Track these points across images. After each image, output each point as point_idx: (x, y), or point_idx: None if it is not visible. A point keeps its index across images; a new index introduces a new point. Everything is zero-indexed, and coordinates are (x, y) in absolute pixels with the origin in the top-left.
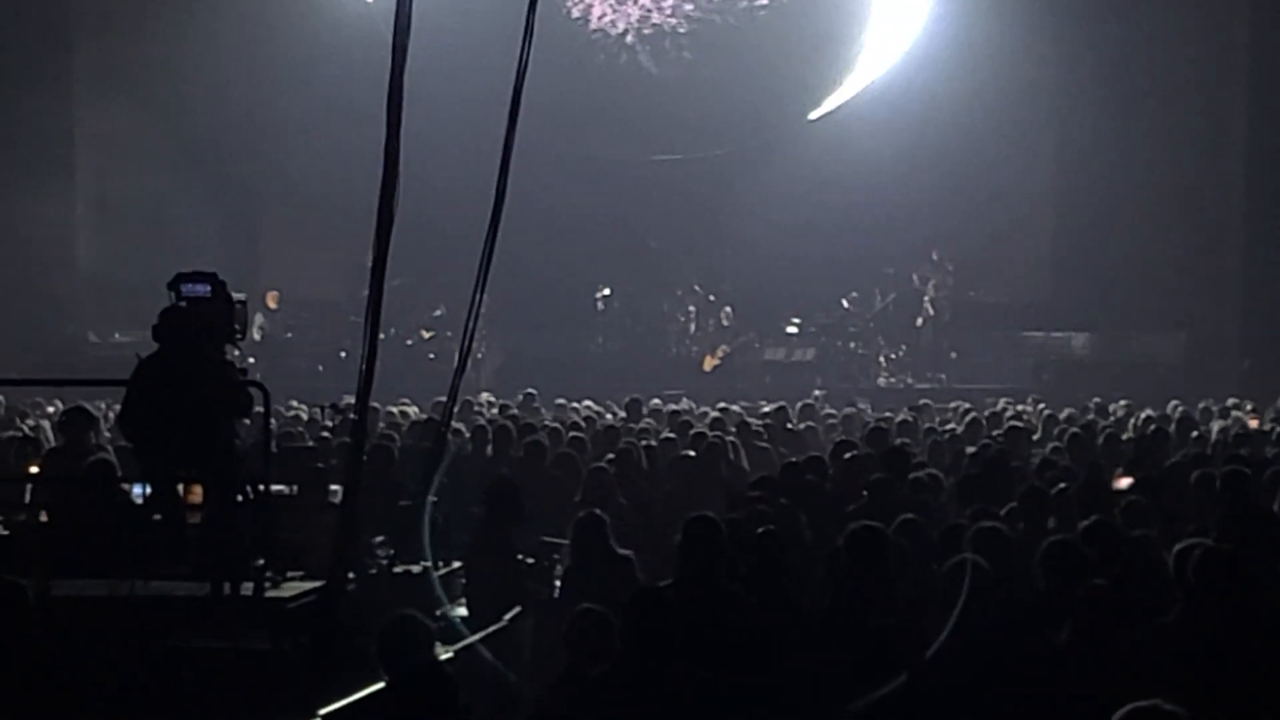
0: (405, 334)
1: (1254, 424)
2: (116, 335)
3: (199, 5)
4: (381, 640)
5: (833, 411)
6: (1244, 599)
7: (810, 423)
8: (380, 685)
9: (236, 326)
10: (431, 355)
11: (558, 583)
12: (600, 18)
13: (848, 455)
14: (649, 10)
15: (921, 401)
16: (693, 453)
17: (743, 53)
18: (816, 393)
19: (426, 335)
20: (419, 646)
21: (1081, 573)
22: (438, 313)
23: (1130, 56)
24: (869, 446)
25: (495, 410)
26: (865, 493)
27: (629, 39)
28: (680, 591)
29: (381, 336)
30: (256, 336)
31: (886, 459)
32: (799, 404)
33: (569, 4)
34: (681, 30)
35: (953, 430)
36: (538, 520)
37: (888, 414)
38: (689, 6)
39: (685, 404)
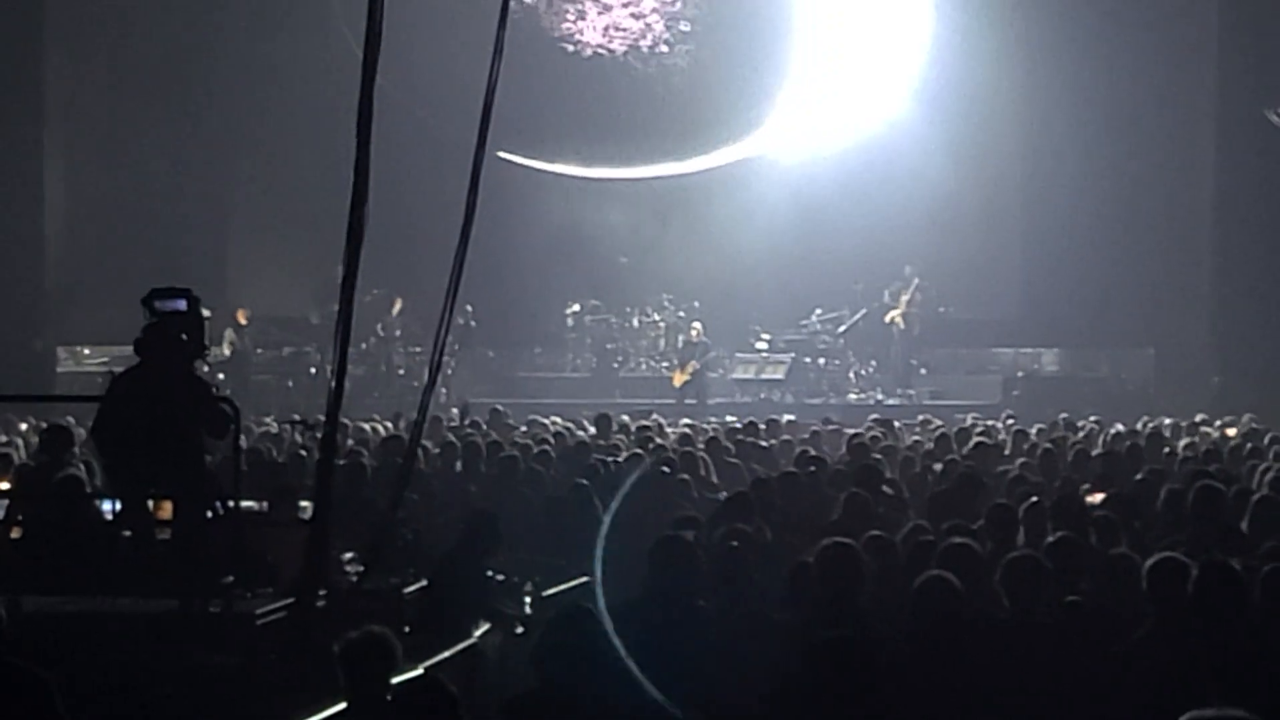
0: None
1: (1232, 432)
2: (85, 350)
3: (172, 20)
4: (343, 656)
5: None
6: (1215, 613)
7: (784, 438)
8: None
9: (206, 343)
10: (401, 370)
11: (527, 599)
12: (576, 30)
13: (813, 469)
14: (621, 24)
15: (872, 417)
16: (666, 469)
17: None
18: (788, 417)
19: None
20: (381, 663)
21: (1044, 589)
22: (397, 309)
23: (1099, 75)
24: (843, 462)
25: (467, 427)
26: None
27: (609, 52)
28: (650, 607)
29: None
30: (226, 352)
31: (859, 474)
32: (768, 418)
33: (547, 21)
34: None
35: (921, 445)
36: (507, 537)
37: (859, 430)
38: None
39: (655, 420)
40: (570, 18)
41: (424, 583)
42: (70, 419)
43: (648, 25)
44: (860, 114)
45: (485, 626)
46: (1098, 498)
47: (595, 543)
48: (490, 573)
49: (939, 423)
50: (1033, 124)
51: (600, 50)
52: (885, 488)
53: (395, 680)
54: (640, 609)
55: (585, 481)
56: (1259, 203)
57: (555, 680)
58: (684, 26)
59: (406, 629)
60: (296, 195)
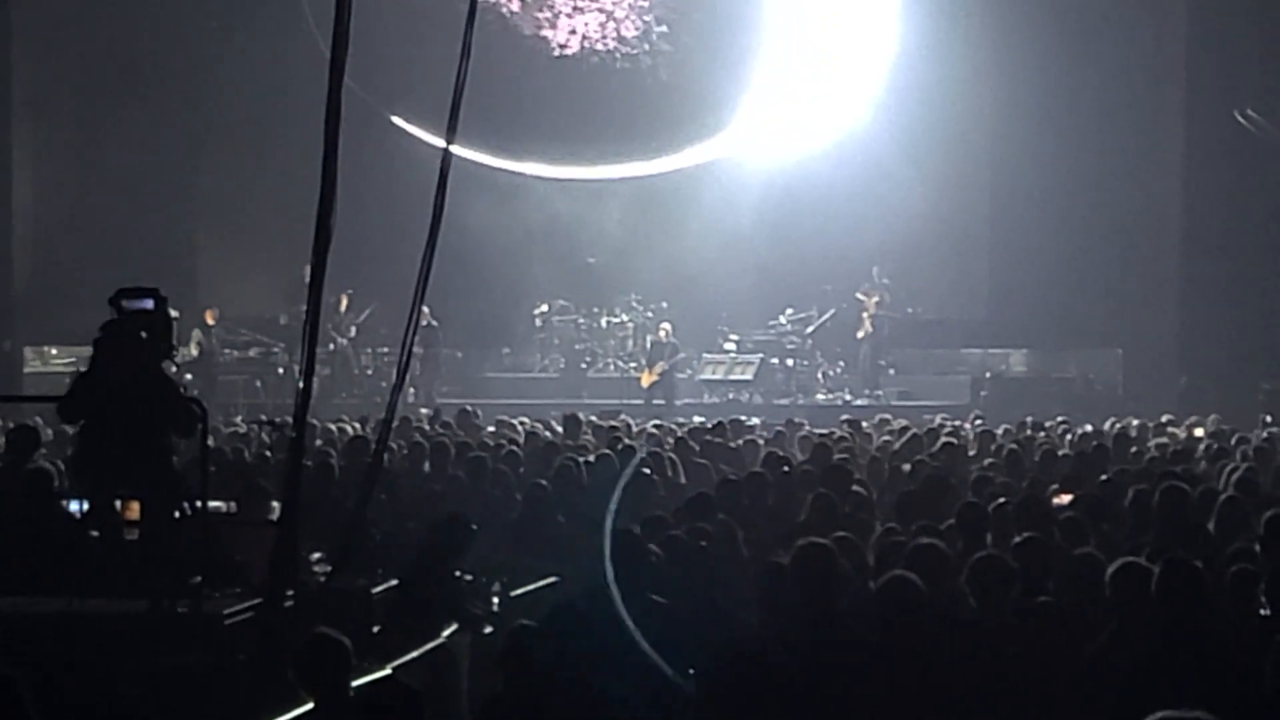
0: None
1: (1200, 432)
2: (53, 351)
3: (140, 20)
4: (297, 660)
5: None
6: (1178, 612)
7: (748, 438)
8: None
9: (175, 343)
10: (369, 371)
11: (495, 600)
12: (547, 31)
13: (786, 470)
14: (593, 25)
15: (843, 418)
16: (647, 470)
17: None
18: (754, 420)
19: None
20: (335, 666)
21: (1010, 589)
22: (344, 305)
23: (1067, 77)
24: (811, 463)
25: (435, 427)
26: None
27: (580, 53)
28: (604, 602)
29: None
30: (194, 353)
31: (826, 475)
32: (730, 418)
33: (518, 21)
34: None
35: (889, 445)
36: (477, 538)
37: (827, 431)
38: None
39: (623, 420)
40: (542, 18)
41: (393, 583)
42: (37, 419)
43: (619, 26)
44: (830, 116)
45: (453, 627)
46: (1065, 499)
47: (563, 543)
48: (458, 573)
49: (903, 422)
50: (1001, 125)
51: (571, 50)
52: (856, 488)
53: (361, 681)
54: (594, 604)
55: (545, 483)
56: (1227, 204)
57: (522, 679)
58: (657, 27)
59: (375, 629)
60: (265, 196)
